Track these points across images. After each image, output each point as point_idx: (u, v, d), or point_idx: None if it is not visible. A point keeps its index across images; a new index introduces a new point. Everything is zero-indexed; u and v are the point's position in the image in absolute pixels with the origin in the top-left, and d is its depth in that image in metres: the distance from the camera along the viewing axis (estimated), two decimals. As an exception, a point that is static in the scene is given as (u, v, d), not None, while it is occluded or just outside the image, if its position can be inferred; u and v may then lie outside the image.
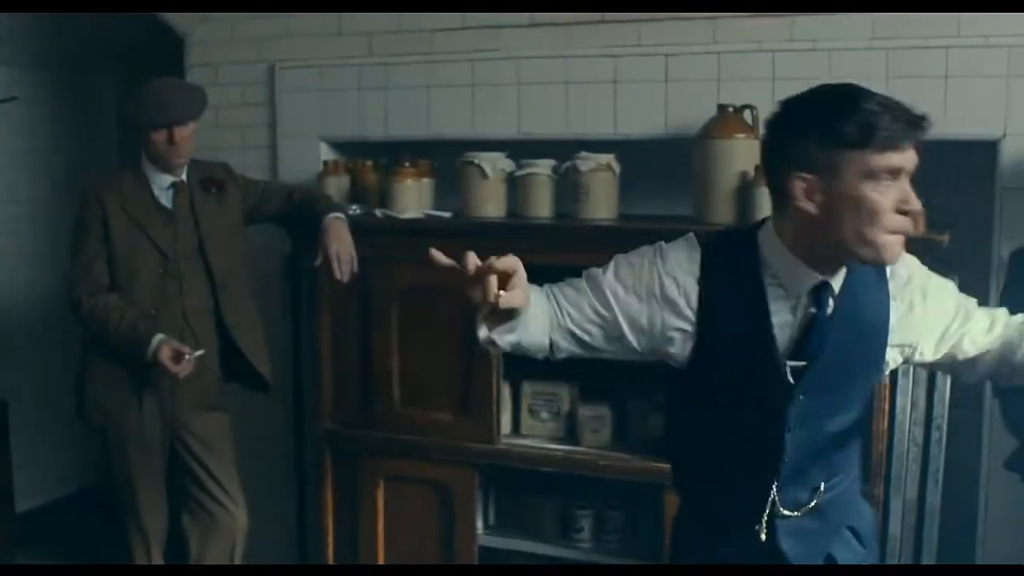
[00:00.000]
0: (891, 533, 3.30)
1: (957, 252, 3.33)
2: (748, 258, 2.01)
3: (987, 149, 3.46)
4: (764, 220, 2.05)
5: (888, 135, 1.82)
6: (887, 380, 3.22)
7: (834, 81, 1.95)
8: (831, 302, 2.01)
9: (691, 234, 2.07)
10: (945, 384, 3.29)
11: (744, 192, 3.43)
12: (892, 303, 2.09)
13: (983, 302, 3.33)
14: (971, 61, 3.43)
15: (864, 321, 2.06)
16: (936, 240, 3.16)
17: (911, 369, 3.25)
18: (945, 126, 3.35)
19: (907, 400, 3.28)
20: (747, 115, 3.52)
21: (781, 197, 1.94)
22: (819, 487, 2.14)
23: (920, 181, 3.39)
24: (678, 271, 2.01)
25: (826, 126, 1.83)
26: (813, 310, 2.01)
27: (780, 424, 2.05)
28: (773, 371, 2.02)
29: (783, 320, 2.02)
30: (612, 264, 2.06)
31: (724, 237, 2.13)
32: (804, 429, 2.07)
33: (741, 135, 3.49)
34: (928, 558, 3.35)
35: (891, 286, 2.09)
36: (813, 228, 1.90)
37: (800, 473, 2.12)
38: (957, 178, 3.56)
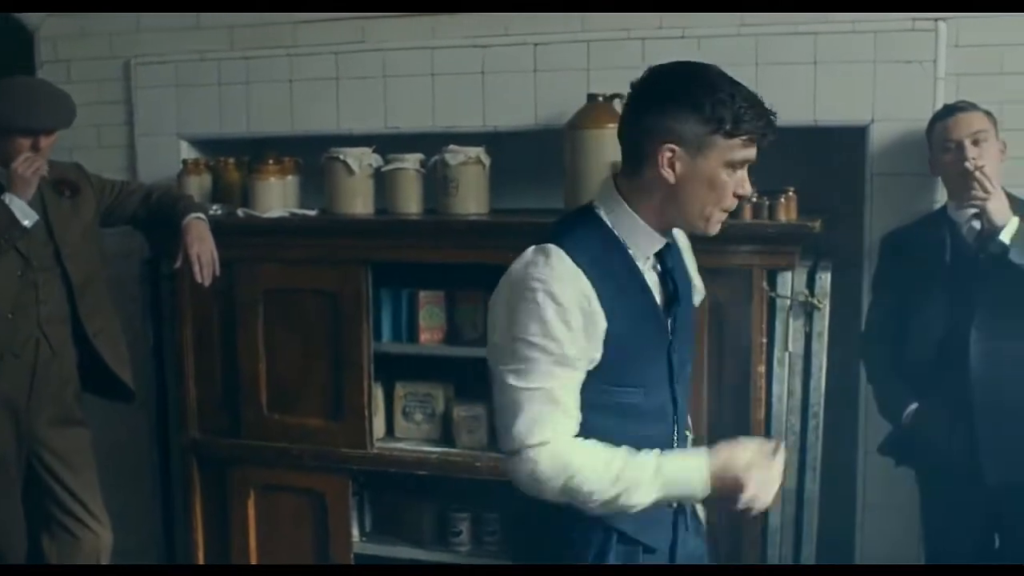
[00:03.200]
0: (771, 524, 3.26)
1: (829, 238, 3.32)
2: (607, 238, 2.05)
3: (856, 135, 3.44)
4: (590, 204, 2.11)
5: (754, 131, 1.98)
6: (763, 369, 3.19)
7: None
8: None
9: (538, 250, 2.00)
10: (821, 372, 3.26)
11: (615, 183, 3.34)
12: (684, 255, 2.31)
13: (855, 288, 3.45)
14: (839, 47, 3.40)
15: (683, 271, 2.26)
16: (808, 227, 3.13)
17: (787, 357, 3.22)
18: (815, 112, 3.42)
19: (783, 389, 3.24)
20: (617, 104, 3.44)
21: (641, 161, 2.02)
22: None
23: (791, 167, 3.46)
24: (572, 290, 1.97)
25: (707, 110, 1.94)
26: (659, 268, 2.14)
27: (670, 379, 2.15)
28: (660, 331, 2.13)
29: (652, 280, 2.12)
30: (539, 343, 1.97)
31: (568, 233, 2.06)
32: (681, 382, 2.20)
33: (612, 124, 3.37)
34: (808, 547, 3.31)
35: (681, 242, 2.29)
36: (663, 195, 2.01)
37: (683, 432, 2.22)
38: (828, 164, 3.57)
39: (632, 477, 1.95)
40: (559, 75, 3.64)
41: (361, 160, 3.63)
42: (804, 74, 3.42)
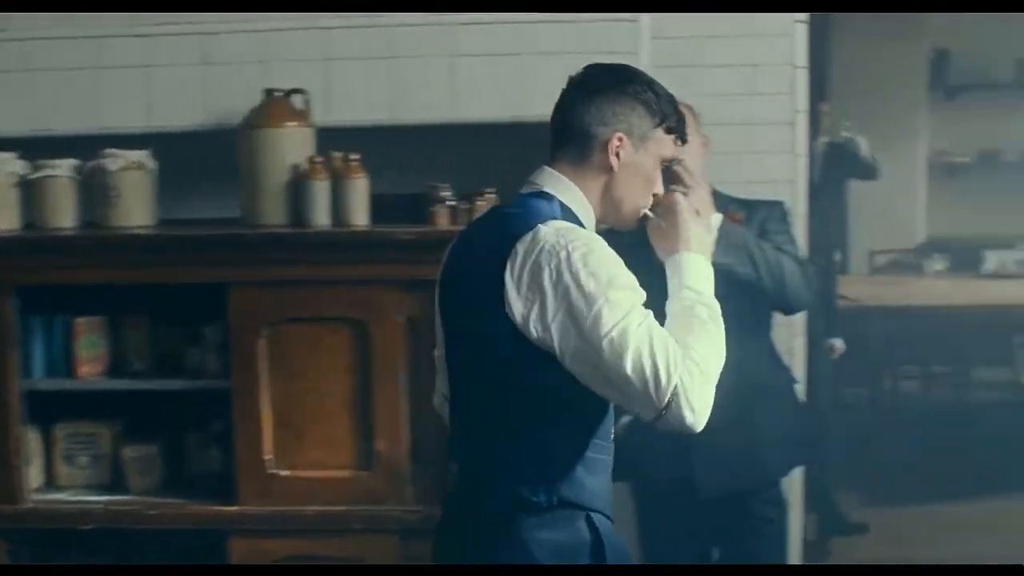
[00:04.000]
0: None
1: None
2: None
3: None
4: (541, 191, 2.05)
5: (684, 131, 2.14)
6: None
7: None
8: None
9: (552, 223, 1.95)
10: None
11: (297, 187, 3.02)
12: None
13: None
14: (542, 38, 3.21)
15: None
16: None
17: None
18: (516, 107, 3.19)
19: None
20: (297, 100, 3.11)
21: (589, 149, 2.05)
22: None
23: (494, 166, 3.20)
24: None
25: (653, 104, 2.06)
26: None
27: None
28: None
29: None
30: (624, 283, 1.94)
31: (553, 216, 1.99)
32: None
33: (292, 123, 3.09)
34: None
35: None
36: (603, 184, 2.07)
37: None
38: (534, 162, 3.32)
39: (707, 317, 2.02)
40: (232, 69, 3.26)
41: (3, 167, 3.14)
42: (505, 66, 3.21)
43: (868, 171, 5.89)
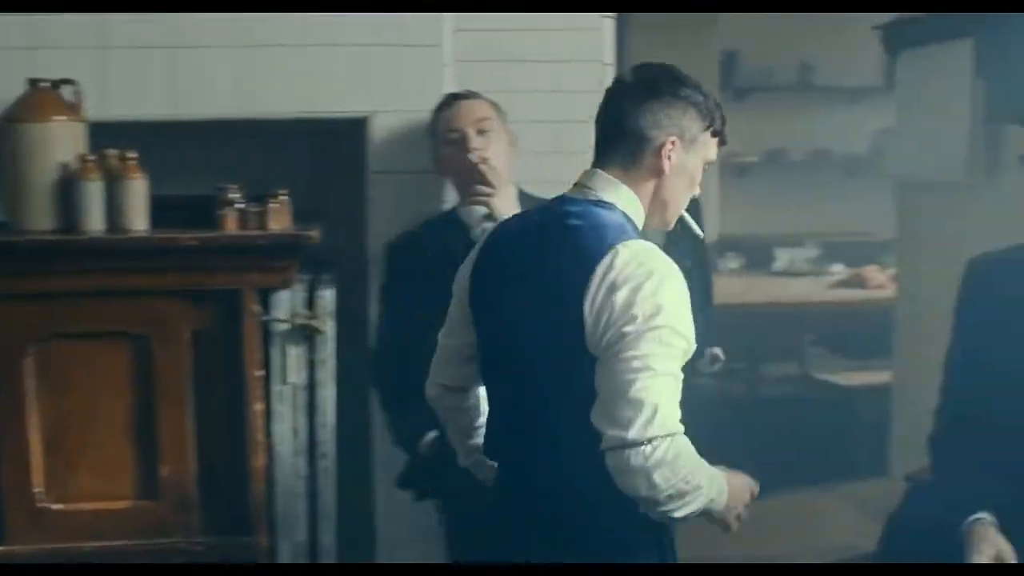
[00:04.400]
0: None
1: (329, 248, 2.92)
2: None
3: (355, 128, 3.10)
4: (598, 199, 2.08)
5: (726, 135, 2.18)
6: (261, 407, 2.73)
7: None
8: None
9: (638, 243, 2.02)
10: (328, 405, 2.85)
11: (67, 188, 2.73)
12: None
13: (361, 300, 3.06)
14: (332, 27, 3.01)
15: None
16: (305, 237, 2.70)
17: (289, 391, 2.78)
18: (308, 102, 3.02)
19: (287, 428, 2.79)
20: (67, 91, 2.82)
21: (642, 151, 2.09)
22: None
23: (281, 166, 3.03)
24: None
25: (703, 107, 2.10)
26: None
27: None
28: None
29: None
30: (681, 331, 1.99)
31: (629, 230, 2.06)
32: None
33: (60, 117, 2.79)
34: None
35: None
36: (653, 186, 2.12)
37: None
38: (323, 162, 3.26)
39: (709, 476, 1.99)
40: (-9, 55, 2.94)
41: None
42: (292, 57, 3.00)
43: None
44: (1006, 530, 2.27)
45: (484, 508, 2.70)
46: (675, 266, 2.02)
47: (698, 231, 2.33)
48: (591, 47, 3.16)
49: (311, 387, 2.84)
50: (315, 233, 2.72)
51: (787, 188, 7.97)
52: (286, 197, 2.77)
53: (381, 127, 3.07)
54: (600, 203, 2.08)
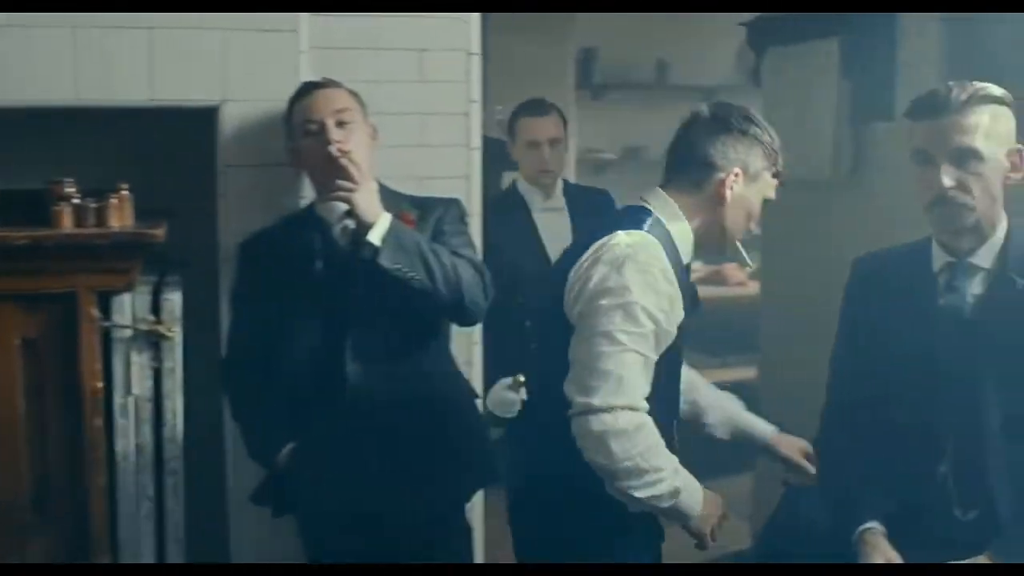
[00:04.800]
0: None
1: (177, 247, 2.73)
2: (670, 246, 2.24)
3: (204, 118, 2.88)
4: (644, 207, 2.28)
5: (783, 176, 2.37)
6: (101, 422, 2.54)
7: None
8: None
9: (636, 233, 2.18)
10: (177, 418, 2.67)
11: None
12: None
13: (212, 303, 2.86)
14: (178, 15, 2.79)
15: None
16: (150, 235, 2.52)
17: (132, 403, 2.60)
18: (151, 90, 2.79)
19: (130, 443, 2.61)
20: None
21: (707, 180, 2.28)
22: None
23: (122, 159, 2.80)
24: (672, 277, 2.20)
25: (768, 149, 2.30)
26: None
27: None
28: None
29: None
30: (654, 314, 2.15)
31: (647, 228, 2.21)
32: None
33: None
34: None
35: None
36: (711, 214, 2.30)
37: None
38: (170, 154, 3.00)
39: (673, 466, 2.14)
40: None
41: None
42: (136, 41, 2.77)
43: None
44: (895, 537, 2.22)
45: (344, 522, 2.67)
46: (668, 265, 2.16)
47: (748, 261, 2.49)
48: (457, 36, 3.02)
49: (157, 398, 2.68)
50: (160, 231, 2.56)
51: (645, 185, 7.94)
52: (127, 192, 2.58)
53: (233, 117, 2.86)
54: (642, 209, 2.28)
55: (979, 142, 2.18)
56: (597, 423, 2.05)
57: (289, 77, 2.81)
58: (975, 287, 2.27)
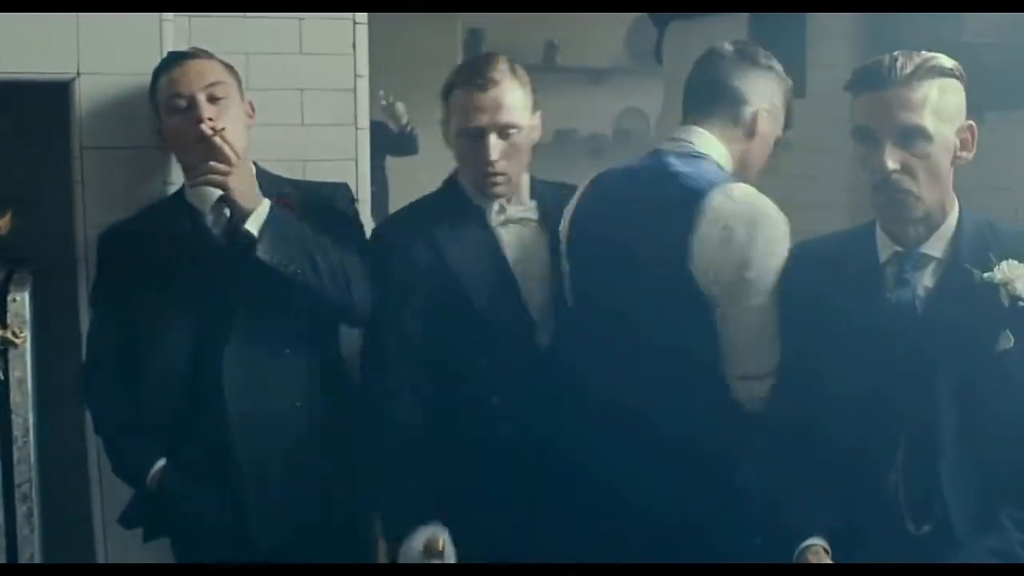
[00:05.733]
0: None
1: (25, 239, 2.46)
2: None
3: (56, 94, 2.63)
4: (700, 153, 2.30)
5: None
6: None
7: None
8: None
9: (740, 186, 2.21)
10: (29, 435, 2.43)
11: None
12: None
13: (71, 294, 2.60)
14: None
15: None
16: None
17: None
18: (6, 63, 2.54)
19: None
20: None
21: (740, 114, 2.33)
22: None
23: None
24: None
25: (789, 88, 2.41)
26: None
27: None
28: None
29: None
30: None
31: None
32: None
33: None
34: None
35: None
36: (745, 147, 2.35)
37: None
38: (18, 134, 2.78)
39: None
40: None
41: None
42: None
43: (408, 144, 5.55)
44: (840, 556, 2.03)
45: (221, 543, 2.47)
46: (772, 211, 2.20)
47: None
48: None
49: (4, 414, 2.44)
50: (5, 221, 2.40)
51: (532, 169, 7.85)
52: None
53: (89, 93, 2.61)
54: (698, 155, 2.28)
55: (927, 119, 1.98)
56: (765, 385, 2.21)
57: (152, 47, 2.58)
58: (926, 279, 2.06)
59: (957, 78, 2.02)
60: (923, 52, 2.02)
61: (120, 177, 2.64)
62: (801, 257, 2.20)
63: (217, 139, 2.34)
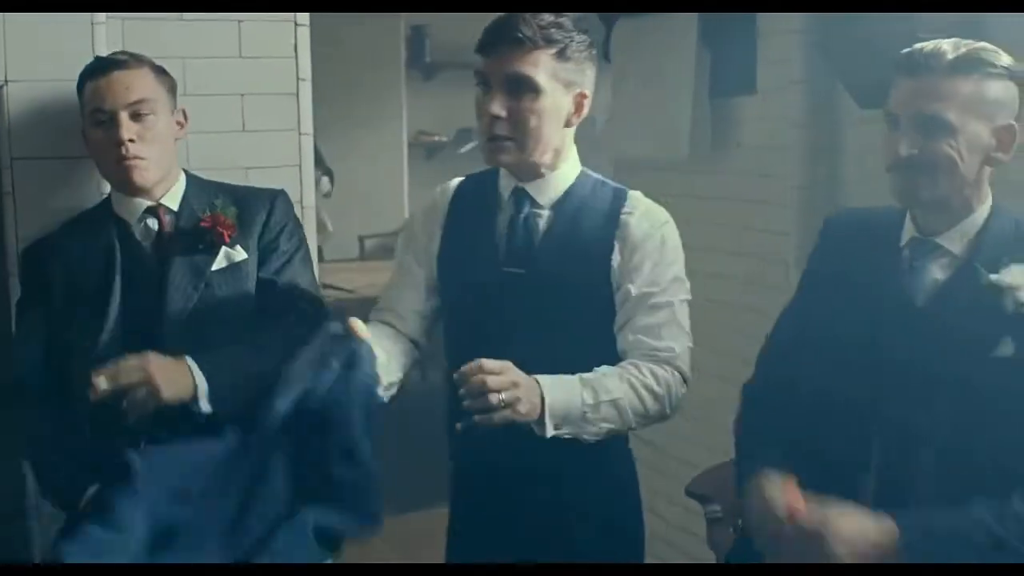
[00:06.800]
0: None
1: None
2: None
3: None
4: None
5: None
6: None
7: None
8: None
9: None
10: None
11: None
12: None
13: (3, 309, 2.48)
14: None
15: None
16: None
17: None
18: None
19: None
20: None
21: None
22: None
23: None
24: None
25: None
26: None
27: None
28: None
29: None
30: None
31: None
32: None
33: None
34: None
35: None
36: None
37: None
38: None
39: None
40: None
41: None
42: None
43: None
44: None
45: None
46: None
47: None
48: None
49: None
50: None
51: (478, 167, 7.72)
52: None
53: (19, 101, 2.47)
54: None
55: (951, 113, 1.87)
56: (674, 376, 2.24)
57: (84, 52, 2.44)
58: (937, 271, 1.98)
59: (1006, 75, 1.91)
60: (973, 43, 1.91)
61: (52, 188, 2.51)
62: (833, 228, 2.16)
63: (132, 163, 2.26)
